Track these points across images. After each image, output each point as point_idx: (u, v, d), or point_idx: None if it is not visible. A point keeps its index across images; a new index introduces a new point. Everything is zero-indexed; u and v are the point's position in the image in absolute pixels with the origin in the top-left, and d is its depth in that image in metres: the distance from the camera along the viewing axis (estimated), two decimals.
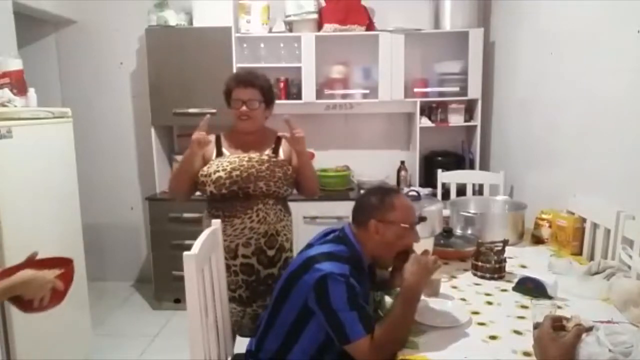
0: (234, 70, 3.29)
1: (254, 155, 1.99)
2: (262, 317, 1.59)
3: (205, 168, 1.98)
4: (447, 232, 2.14)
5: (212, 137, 2.04)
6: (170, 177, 2.06)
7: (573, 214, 2.18)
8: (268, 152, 2.04)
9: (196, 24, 3.32)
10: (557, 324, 1.09)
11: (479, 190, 3.22)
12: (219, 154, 2.03)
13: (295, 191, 2.17)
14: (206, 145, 1.94)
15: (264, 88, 2.03)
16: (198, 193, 2.10)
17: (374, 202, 1.52)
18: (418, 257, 1.44)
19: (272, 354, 1.49)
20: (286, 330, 1.45)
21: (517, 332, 1.38)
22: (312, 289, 1.36)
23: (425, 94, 3.47)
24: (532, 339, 1.17)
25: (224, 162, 1.96)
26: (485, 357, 1.27)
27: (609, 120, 2.01)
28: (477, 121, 3.42)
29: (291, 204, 3.21)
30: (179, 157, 3.59)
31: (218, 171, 1.94)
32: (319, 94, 3.43)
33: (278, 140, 2.09)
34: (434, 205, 1.95)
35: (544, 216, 2.27)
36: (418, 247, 1.84)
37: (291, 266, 1.50)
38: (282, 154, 2.06)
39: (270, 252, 2.02)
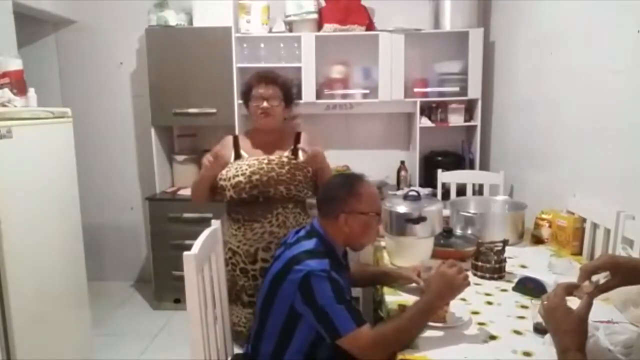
0: (234, 70, 3.30)
1: (274, 157, 1.96)
2: (253, 322, 1.59)
3: (224, 172, 1.94)
4: (447, 232, 2.14)
5: (227, 145, 2.05)
6: (192, 185, 2.08)
7: (573, 214, 2.17)
8: (287, 153, 2.00)
9: (196, 24, 3.32)
10: (569, 292, 1.07)
11: (479, 190, 3.22)
12: (237, 156, 2.00)
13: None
14: (220, 165, 1.93)
15: (285, 87, 2.02)
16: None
17: (341, 194, 1.52)
18: (446, 273, 1.37)
19: (268, 358, 1.49)
20: (277, 333, 1.46)
21: (517, 332, 1.38)
22: (297, 290, 1.36)
23: (425, 94, 3.47)
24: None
25: (243, 166, 1.92)
26: (485, 357, 1.27)
27: (608, 120, 2.01)
28: (477, 121, 3.42)
29: None
30: (179, 157, 3.63)
31: (237, 175, 1.90)
32: (319, 94, 3.43)
33: (297, 141, 2.06)
34: (434, 205, 1.94)
35: (544, 216, 2.27)
36: (418, 247, 1.85)
37: (273, 269, 1.49)
38: (301, 156, 2.01)
39: None
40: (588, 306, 1.02)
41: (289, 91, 2.04)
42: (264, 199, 1.93)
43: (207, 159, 1.90)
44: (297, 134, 2.09)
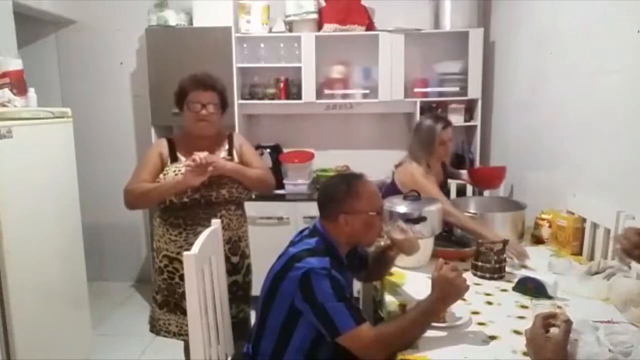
0: (234, 70, 3.30)
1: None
2: (254, 321, 1.60)
3: (161, 176, 1.90)
4: (447, 232, 2.14)
5: (162, 147, 1.98)
6: (134, 191, 1.88)
7: (573, 214, 2.17)
8: (224, 155, 1.99)
9: (196, 24, 3.32)
10: (547, 322, 1.09)
11: (479, 191, 3.22)
12: (174, 159, 1.94)
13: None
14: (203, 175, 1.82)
15: (223, 93, 1.99)
16: None
17: (340, 194, 1.51)
18: (448, 277, 1.35)
19: (268, 357, 1.49)
20: (278, 332, 1.46)
21: (517, 332, 1.38)
22: (297, 288, 1.37)
23: (425, 94, 3.47)
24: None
25: (182, 169, 1.86)
26: (485, 357, 1.27)
27: (609, 120, 2.01)
28: (477, 121, 3.41)
29: (291, 204, 3.26)
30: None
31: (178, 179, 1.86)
32: (319, 94, 3.43)
33: (230, 141, 2.06)
34: (434, 205, 1.95)
35: (544, 216, 2.27)
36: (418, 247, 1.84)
37: (274, 267, 1.49)
38: (236, 156, 2.03)
39: (234, 259, 2.00)
40: (566, 333, 1.04)
41: (225, 97, 2.01)
42: (205, 203, 1.90)
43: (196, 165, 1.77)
44: (229, 135, 2.09)
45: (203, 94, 1.92)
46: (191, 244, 1.83)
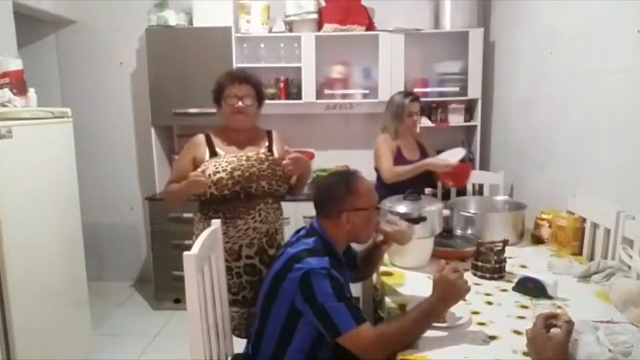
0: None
1: (252, 154, 1.97)
2: (253, 322, 1.60)
3: (202, 167, 1.93)
4: (447, 232, 2.14)
5: (200, 143, 2.01)
6: (166, 192, 2.06)
7: (573, 214, 2.17)
8: (264, 151, 2.03)
9: (196, 24, 3.32)
10: (549, 322, 1.09)
11: (479, 190, 3.22)
12: (213, 154, 1.99)
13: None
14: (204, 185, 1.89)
15: (258, 86, 2.05)
16: None
17: (340, 193, 1.52)
18: (449, 278, 1.35)
19: (268, 357, 1.50)
20: (278, 332, 1.46)
21: (517, 332, 1.38)
22: (297, 288, 1.37)
23: (425, 94, 3.47)
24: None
25: (222, 163, 1.93)
26: (485, 357, 1.27)
27: (608, 120, 2.01)
28: (477, 121, 3.42)
29: (292, 204, 3.25)
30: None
31: (218, 172, 1.90)
32: (319, 94, 3.43)
33: (270, 138, 2.09)
34: (434, 205, 1.95)
35: (544, 216, 2.26)
36: (418, 247, 1.85)
37: (274, 268, 1.50)
38: (276, 152, 2.06)
39: (272, 251, 2.03)
40: (568, 333, 1.04)
41: (261, 90, 2.06)
42: (245, 195, 1.94)
43: (196, 176, 1.85)
44: (268, 132, 2.13)
45: (238, 87, 1.97)
46: (232, 237, 1.94)
